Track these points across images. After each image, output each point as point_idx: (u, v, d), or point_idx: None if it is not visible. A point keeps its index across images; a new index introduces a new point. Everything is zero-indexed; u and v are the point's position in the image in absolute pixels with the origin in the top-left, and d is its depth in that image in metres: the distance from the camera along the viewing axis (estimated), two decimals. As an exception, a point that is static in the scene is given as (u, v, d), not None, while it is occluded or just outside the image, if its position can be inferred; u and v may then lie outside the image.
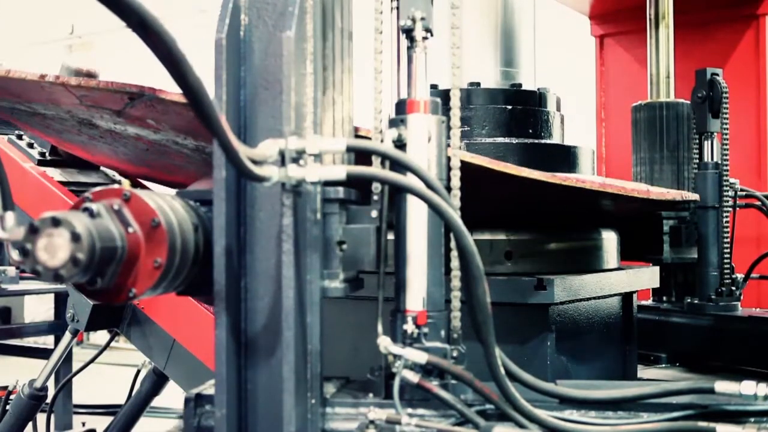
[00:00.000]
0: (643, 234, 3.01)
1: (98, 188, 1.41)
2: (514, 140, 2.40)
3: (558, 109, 2.59)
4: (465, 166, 1.71)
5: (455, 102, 1.71)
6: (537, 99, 2.50)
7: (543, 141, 2.47)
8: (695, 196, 2.84)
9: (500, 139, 2.40)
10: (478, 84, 2.46)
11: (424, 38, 1.74)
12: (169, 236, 1.38)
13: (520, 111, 2.44)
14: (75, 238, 1.22)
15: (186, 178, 3.08)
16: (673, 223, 3.08)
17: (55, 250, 1.21)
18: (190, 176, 2.90)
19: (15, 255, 1.22)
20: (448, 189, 1.67)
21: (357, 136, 1.84)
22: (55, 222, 1.22)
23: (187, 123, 2.13)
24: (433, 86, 2.40)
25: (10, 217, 1.29)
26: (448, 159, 1.71)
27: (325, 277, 1.58)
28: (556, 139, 2.53)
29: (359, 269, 1.67)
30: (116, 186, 1.40)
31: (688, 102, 3.33)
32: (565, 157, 2.45)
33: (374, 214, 1.62)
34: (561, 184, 1.98)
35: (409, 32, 1.73)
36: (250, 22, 1.57)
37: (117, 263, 1.34)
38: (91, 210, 1.33)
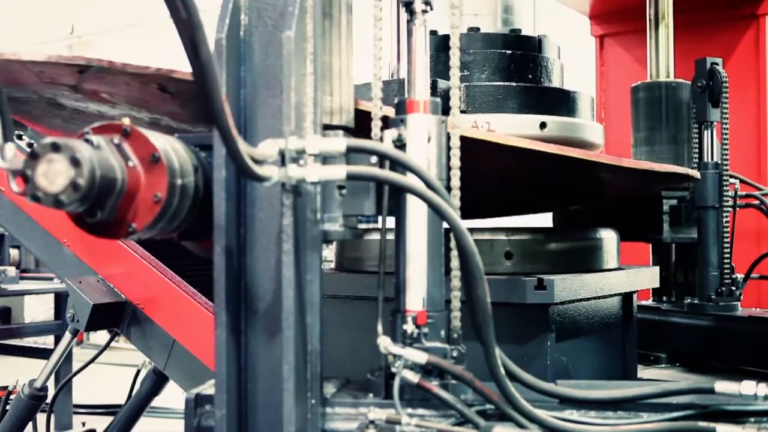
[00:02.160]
0: (643, 214, 3.01)
1: (98, 123, 1.39)
2: (513, 84, 2.39)
3: (558, 57, 2.58)
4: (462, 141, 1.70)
5: (455, 41, 1.70)
6: (536, 44, 2.49)
7: (542, 85, 2.46)
8: (694, 173, 2.83)
9: (499, 83, 2.39)
10: (478, 29, 2.45)
11: (424, 11, 1.73)
12: (169, 171, 1.37)
13: (519, 56, 2.43)
14: (75, 162, 1.21)
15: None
16: (672, 203, 3.08)
17: (54, 175, 1.21)
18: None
19: (15, 185, 1.22)
20: (448, 189, 1.67)
21: (357, 110, 1.82)
22: (56, 147, 1.21)
23: (138, 94, 2.13)
24: (433, 32, 2.39)
25: (10, 147, 1.28)
26: (448, 158, 1.71)
27: (325, 220, 1.58)
28: (555, 85, 2.52)
29: (359, 214, 1.66)
30: (116, 121, 1.38)
31: (688, 82, 3.33)
32: (564, 101, 2.44)
33: (374, 159, 1.61)
34: (556, 154, 1.96)
35: (408, 5, 1.73)
36: (250, 22, 1.57)
37: (117, 195, 1.32)
38: (91, 141, 1.32)
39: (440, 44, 2.35)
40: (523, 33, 2.53)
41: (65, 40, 13.00)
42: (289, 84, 1.50)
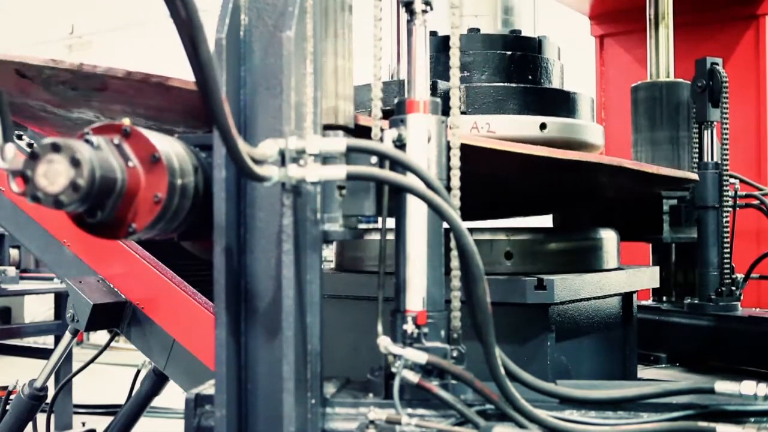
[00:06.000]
0: (643, 214, 3.01)
1: (98, 123, 1.39)
2: (513, 84, 2.40)
3: (558, 57, 2.58)
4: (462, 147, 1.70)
5: (455, 41, 1.70)
6: (536, 45, 2.50)
7: (542, 86, 2.47)
8: (692, 175, 2.82)
9: (499, 84, 2.39)
10: (478, 30, 2.46)
11: (424, 11, 1.73)
12: (169, 171, 1.37)
13: (519, 57, 2.44)
14: (75, 163, 1.21)
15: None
16: (672, 203, 3.08)
17: (55, 176, 1.21)
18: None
19: (15, 186, 1.22)
20: (448, 189, 1.67)
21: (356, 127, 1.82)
22: (56, 147, 1.21)
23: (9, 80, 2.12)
24: (433, 33, 2.40)
25: (10, 148, 1.28)
26: (448, 158, 1.71)
27: (325, 220, 1.58)
28: (555, 86, 2.53)
29: (359, 215, 1.66)
30: (116, 122, 1.38)
31: (688, 82, 3.33)
32: (564, 102, 2.44)
33: (374, 159, 1.61)
34: (556, 158, 1.96)
35: (408, 5, 1.73)
36: (250, 22, 1.57)
37: (117, 196, 1.33)
38: (91, 142, 1.32)
39: (440, 45, 2.35)
40: (524, 34, 2.53)
41: (65, 40, 13.00)
42: (289, 84, 1.50)
